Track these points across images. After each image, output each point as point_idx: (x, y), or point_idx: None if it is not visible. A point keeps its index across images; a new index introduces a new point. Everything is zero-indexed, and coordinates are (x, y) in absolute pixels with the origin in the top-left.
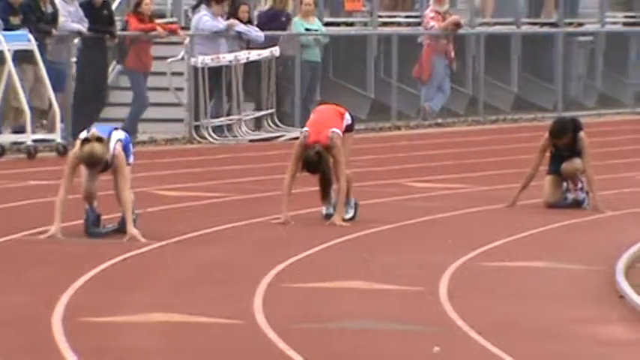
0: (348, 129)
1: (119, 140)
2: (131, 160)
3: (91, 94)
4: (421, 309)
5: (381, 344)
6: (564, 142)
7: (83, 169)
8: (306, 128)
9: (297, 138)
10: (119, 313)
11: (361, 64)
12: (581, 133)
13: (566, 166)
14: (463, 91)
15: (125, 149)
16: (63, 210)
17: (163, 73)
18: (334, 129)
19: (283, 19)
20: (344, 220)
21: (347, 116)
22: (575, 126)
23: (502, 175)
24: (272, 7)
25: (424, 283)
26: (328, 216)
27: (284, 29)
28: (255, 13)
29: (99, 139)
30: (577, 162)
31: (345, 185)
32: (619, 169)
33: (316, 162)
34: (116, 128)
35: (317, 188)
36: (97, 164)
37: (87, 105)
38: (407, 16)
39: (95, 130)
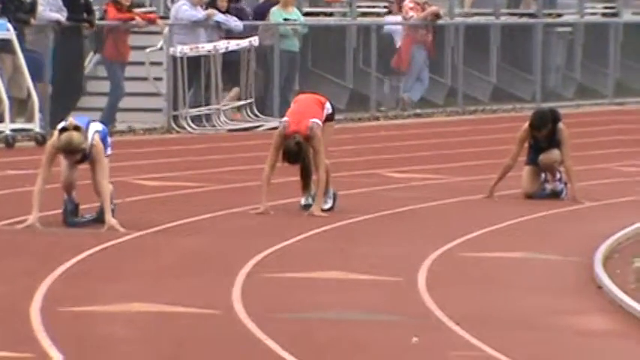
0: (329, 118)
1: (97, 131)
2: (109, 152)
3: (67, 84)
4: (399, 299)
5: (360, 334)
6: (543, 134)
7: (62, 159)
8: (285, 118)
9: (276, 128)
10: (98, 302)
11: (340, 54)
12: (560, 124)
13: (543, 158)
14: (442, 81)
15: (103, 141)
16: (41, 199)
17: (142, 63)
18: (314, 119)
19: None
20: (323, 210)
21: (327, 105)
22: (554, 117)
23: (480, 166)
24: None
25: (402, 274)
26: (307, 206)
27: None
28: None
29: (76, 128)
30: (555, 153)
31: (324, 176)
32: (597, 160)
33: (296, 152)
34: (93, 120)
35: (296, 178)
36: (75, 152)
37: (64, 95)
38: (385, 7)
39: (73, 119)
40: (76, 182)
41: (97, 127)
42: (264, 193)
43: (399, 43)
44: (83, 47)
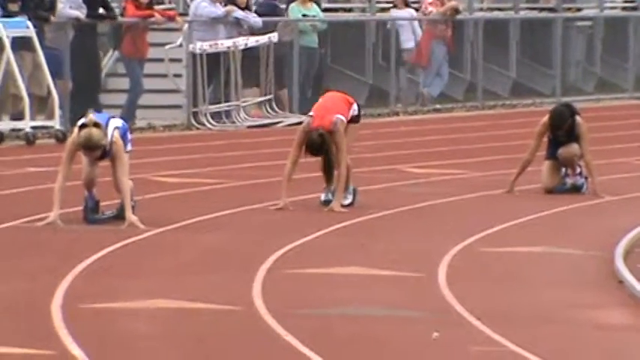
0: (354, 120)
1: (117, 128)
2: (129, 147)
3: (85, 81)
4: (420, 295)
5: (380, 330)
6: (564, 130)
7: (83, 157)
8: (311, 113)
9: (295, 124)
10: (118, 299)
11: (359, 50)
12: (578, 118)
13: (563, 152)
14: (461, 76)
15: (123, 137)
16: (61, 197)
17: (161, 60)
18: (339, 115)
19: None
20: (342, 206)
21: (354, 107)
22: (571, 112)
23: (500, 161)
24: None
25: (423, 269)
26: (327, 202)
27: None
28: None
29: (96, 125)
30: (574, 148)
31: (344, 172)
32: (618, 154)
33: (319, 144)
34: (113, 116)
35: (316, 174)
36: (95, 149)
37: (82, 92)
38: (391, 1)
39: (92, 115)
40: (96, 179)
41: (117, 123)
42: (284, 188)
43: (409, 41)
44: (97, 44)
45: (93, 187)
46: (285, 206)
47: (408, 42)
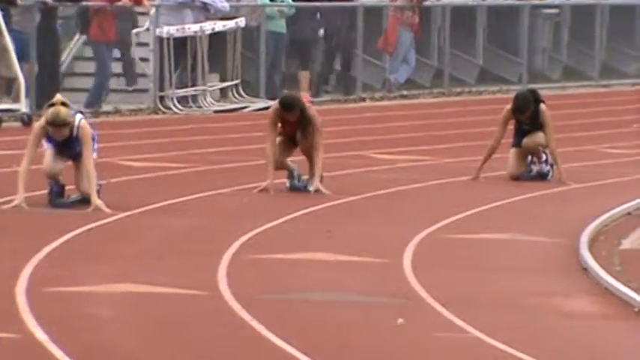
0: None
1: (84, 118)
2: (95, 155)
3: (44, 66)
4: (385, 281)
5: (345, 316)
6: (527, 116)
7: (47, 152)
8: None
9: (262, 109)
10: (83, 283)
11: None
12: (542, 106)
13: (527, 141)
14: (428, 63)
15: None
16: (26, 180)
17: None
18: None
19: None
20: (310, 191)
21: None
22: (535, 98)
23: (466, 148)
24: None
25: (388, 255)
26: (293, 188)
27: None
28: None
29: (64, 104)
30: (539, 136)
31: (321, 154)
32: (584, 141)
33: (292, 98)
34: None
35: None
36: (62, 125)
37: (46, 75)
38: None
39: (60, 96)
40: (60, 174)
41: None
42: (269, 170)
43: None
44: (56, 27)
45: (57, 177)
46: (268, 188)
47: None
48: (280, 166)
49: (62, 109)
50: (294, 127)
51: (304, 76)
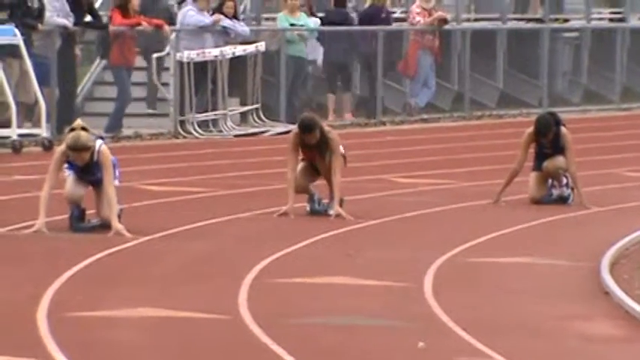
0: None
1: (104, 144)
2: (117, 183)
3: (63, 90)
4: (406, 305)
5: (366, 340)
6: (549, 139)
7: (69, 178)
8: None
9: (282, 133)
10: (104, 307)
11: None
12: (563, 129)
13: (548, 165)
14: (448, 86)
15: (113, 166)
16: (48, 205)
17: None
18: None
19: (383, 15)
20: (330, 215)
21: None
22: (555, 120)
23: (487, 171)
24: (372, 4)
25: (409, 279)
26: (313, 212)
27: (387, 24)
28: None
29: (84, 129)
30: (559, 160)
31: (340, 178)
32: (604, 165)
33: (310, 119)
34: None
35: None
36: (83, 150)
37: (66, 100)
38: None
39: (80, 120)
40: (81, 200)
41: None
42: (290, 195)
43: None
44: (74, 52)
45: (77, 204)
46: (288, 212)
47: (312, 54)
48: (302, 190)
49: (83, 133)
50: (314, 152)
51: (347, 99)
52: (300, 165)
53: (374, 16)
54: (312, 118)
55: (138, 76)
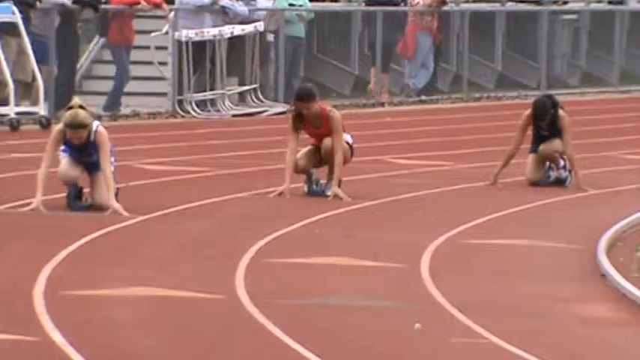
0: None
1: (100, 125)
2: (112, 168)
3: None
4: (403, 286)
5: (363, 321)
6: (547, 122)
7: (63, 160)
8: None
9: (280, 113)
10: (101, 286)
11: (345, 40)
12: (561, 112)
13: (543, 148)
14: (447, 68)
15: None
16: (45, 183)
17: (147, 47)
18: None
19: None
20: (327, 196)
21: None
22: (553, 103)
23: (485, 153)
24: None
25: (406, 260)
26: (311, 192)
27: (396, 4)
28: None
29: (81, 107)
30: (556, 143)
31: (341, 158)
32: (602, 147)
33: (309, 89)
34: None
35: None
36: (80, 127)
37: (65, 78)
38: None
39: (78, 99)
40: (74, 181)
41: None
42: (287, 175)
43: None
44: (76, 31)
45: (71, 184)
46: (284, 192)
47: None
48: (302, 171)
49: (80, 111)
50: (315, 130)
51: (385, 79)
52: (307, 147)
53: None
54: (310, 88)
55: (135, 55)
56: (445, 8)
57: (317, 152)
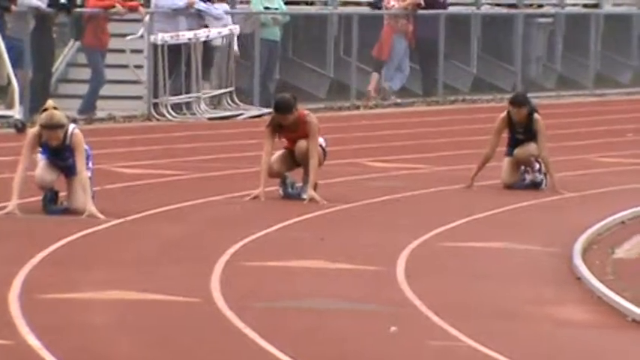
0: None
1: (76, 128)
2: (89, 174)
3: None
4: (378, 289)
5: (338, 324)
6: (522, 116)
7: (40, 163)
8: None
9: (256, 116)
10: (76, 290)
11: (321, 43)
12: (536, 115)
13: (518, 152)
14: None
15: (87, 158)
16: (21, 186)
17: (122, 51)
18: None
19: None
20: (303, 199)
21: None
22: (528, 103)
23: (460, 156)
24: None
25: (381, 263)
26: (287, 195)
27: (444, 8)
28: None
29: (55, 108)
30: (531, 147)
31: (316, 162)
32: (577, 150)
33: (287, 100)
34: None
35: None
36: (56, 128)
37: (40, 82)
38: None
39: (51, 101)
40: (51, 185)
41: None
42: (262, 178)
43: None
44: (52, 34)
45: (47, 188)
46: (259, 196)
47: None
48: (276, 175)
49: (56, 112)
50: (291, 134)
51: (374, 78)
52: (281, 151)
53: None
54: (288, 99)
55: (111, 59)
56: (420, 11)
57: (291, 156)
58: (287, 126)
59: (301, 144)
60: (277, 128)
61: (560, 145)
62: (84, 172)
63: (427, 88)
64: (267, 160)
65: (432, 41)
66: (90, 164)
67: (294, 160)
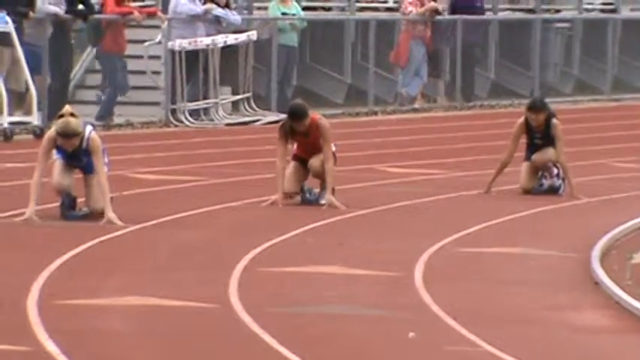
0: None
1: (93, 130)
2: (106, 169)
3: (55, 78)
4: (396, 294)
5: (356, 329)
6: (539, 122)
7: (56, 164)
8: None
9: (273, 122)
10: (95, 296)
11: (338, 49)
12: (555, 120)
13: (536, 158)
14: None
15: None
16: (38, 192)
17: (140, 57)
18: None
19: (478, 4)
20: (321, 204)
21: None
22: (547, 109)
23: (478, 161)
24: None
25: (400, 269)
26: (305, 201)
27: (481, 13)
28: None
29: (73, 115)
30: (549, 152)
31: (331, 166)
32: (595, 155)
33: (301, 106)
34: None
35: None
36: (72, 136)
37: (58, 88)
38: (384, 1)
39: (69, 107)
40: (68, 189)
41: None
42: (278, 184)
43: None
44: (70, 40)
45: (65, 193)
46: (277, 201)
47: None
48: (293, 195)
49: (72, 119)
50: (305, 140)
51: (440, 85)
52: (290, 166)
53: (468, 4)
54: (302, 105)
55: (129, 65)
56: (438, 17)
57: (301, 167)
58: (300, 131)
59: (314, 162)
60: (290, 133)
61: (578, 151)
62: (103, 178)
63: (466, 95)
64: (282, 164)
65: (474, 45)
66: (106, 159)
67: (303, 171)
